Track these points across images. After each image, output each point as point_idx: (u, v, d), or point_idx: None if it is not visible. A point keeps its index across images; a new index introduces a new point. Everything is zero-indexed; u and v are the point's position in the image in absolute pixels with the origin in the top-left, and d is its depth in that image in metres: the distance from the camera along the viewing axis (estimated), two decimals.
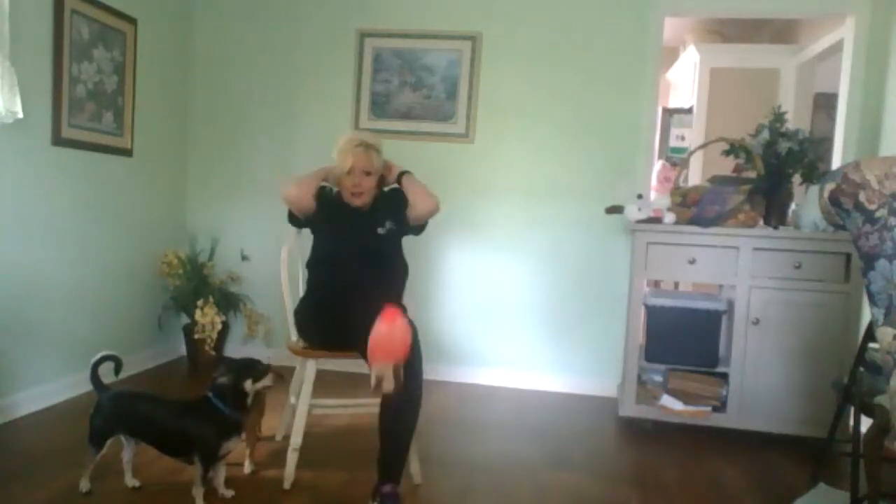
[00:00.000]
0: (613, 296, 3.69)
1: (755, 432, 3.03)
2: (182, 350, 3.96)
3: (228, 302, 3.84)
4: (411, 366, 2.07)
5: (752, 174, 3.19)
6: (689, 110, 5.00)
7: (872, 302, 1.82)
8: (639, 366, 3.19)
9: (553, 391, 3.78)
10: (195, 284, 3.76)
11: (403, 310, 2.17)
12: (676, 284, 4.00)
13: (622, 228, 3.65)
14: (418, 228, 2.58)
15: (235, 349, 3.89)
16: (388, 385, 1.95)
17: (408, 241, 2.61)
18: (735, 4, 3.66)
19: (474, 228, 3.85)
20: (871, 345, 2.14)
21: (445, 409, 3.35)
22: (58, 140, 3.03)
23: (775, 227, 3.06)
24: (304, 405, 2.34)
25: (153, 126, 3.73)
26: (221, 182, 4.07)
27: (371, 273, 2.41)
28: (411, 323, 2.11)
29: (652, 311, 3.18)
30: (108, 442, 2.15)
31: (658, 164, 3.89)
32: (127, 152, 3.52)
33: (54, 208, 3.07)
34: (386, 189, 2.59)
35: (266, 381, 2.18)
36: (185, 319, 3.84)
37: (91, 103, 3.23)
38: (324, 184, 2.58)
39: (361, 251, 2.45)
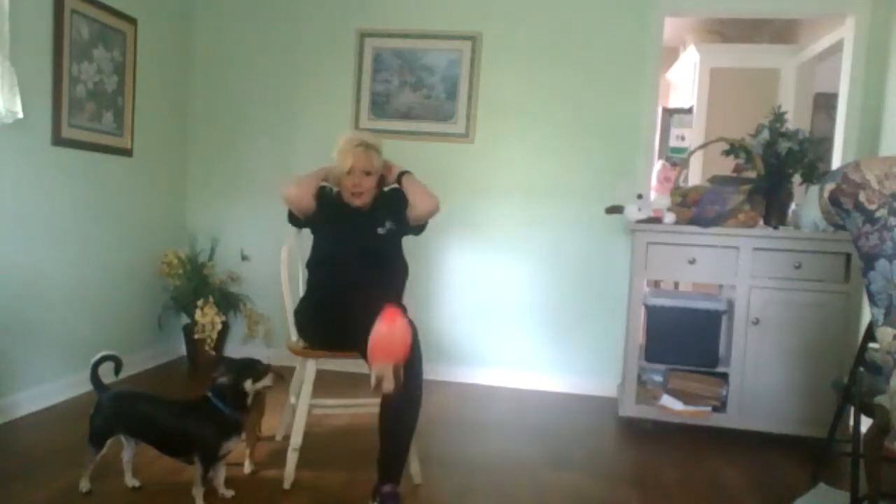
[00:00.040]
0: (613, 296, 3.69)
1: (755, 432, 3.03)
2: (182, 350, 3.96)
3: (228, 302, 3.84)
4: (411, 366, 2.07)
5: (752, 174, 3.19)
6: (689, 110, 5.00)
7: (872, 302, 1.82)
8: (639, 366, 3.19)
9: (553, 391, 3.78)
10: (195, 284, 3.76)
11: (403, 310, 2.17)
12: (676, 284, 4.00)
13: (622, 228, 3.65)
14: (418, 228, 2.58)
15: (235, 349, 3.89)
16: (388, 385, 1.95)
17: (408, 241, 2.61)
18: (735, 4, 3.66)
19: (474, 228, 3.85)
20: (871, 345, 2.14)
21: (445, 409, 3.35)
22: (58, 140, 3.03)
23: (775, 227, 3.06)
24: (304, 405, 2.34)
25: (153, 126, 3.73)
26: (221, 182, 4.07)
27: (371, 273, 2.41)
28: (411, 323, 2.11)
29: (652, 311, 3.18)
30: (108, 442, 2.15)
31: (658, 164, 3.89)
32: (127, 152, 3.52)
33: (54, 208, 3.07)
34: (386, 189, 2.59)
35: (266, 381, 2.18)
36: (185, 319, 3.84)
37: (91, 103, 3.23)
38: (324, 184, 2.58)
39: (361, 251, 2.45)
